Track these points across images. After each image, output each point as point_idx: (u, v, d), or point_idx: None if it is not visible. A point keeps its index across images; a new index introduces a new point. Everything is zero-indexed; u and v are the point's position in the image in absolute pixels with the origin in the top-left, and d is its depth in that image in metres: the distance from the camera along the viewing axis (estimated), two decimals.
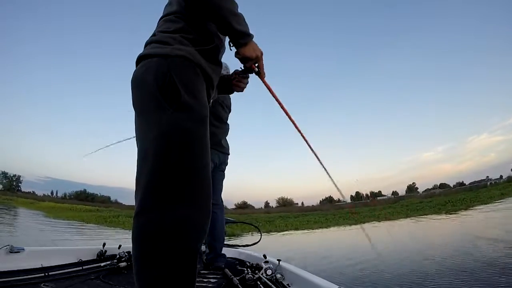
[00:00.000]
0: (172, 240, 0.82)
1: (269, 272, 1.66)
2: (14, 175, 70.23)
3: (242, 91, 1.31)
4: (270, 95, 1.19)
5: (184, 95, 0.90)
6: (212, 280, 1.74)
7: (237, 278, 1.66)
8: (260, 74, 1.13)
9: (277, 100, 1.20)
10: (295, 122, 1.26)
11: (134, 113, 1.00)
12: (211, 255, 2.06)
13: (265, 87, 1.16)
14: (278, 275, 1.65)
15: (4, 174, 68.66)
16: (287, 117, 1.27)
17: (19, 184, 71.55)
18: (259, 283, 1.60)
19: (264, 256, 1.94)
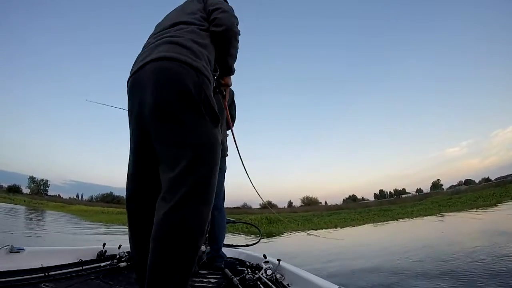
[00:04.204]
0: (198, 236, 0.96)
1: (269, 272, 1.62)
2: (42, 180, 74.01)
3: None
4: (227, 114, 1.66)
5: (218, 115, 1.09)
6: (212, 280, 1.70)
7: (237, 278, 1.62)
8: (225, 98, 1.57)
9: (227, 116, 1.65)
10: (235, 136, 1.72)
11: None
12: (211, 255, 2.03)
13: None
14: (278, 275, 1.60)
15: (32, 178, 72.52)
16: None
17: (47, 188, 75.03)
18: (259, 283, 1.55)
19: (264, 256, 1.89)
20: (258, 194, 1.85)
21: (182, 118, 1.01)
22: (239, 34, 1.28)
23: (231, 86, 1.52)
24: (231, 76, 1.51)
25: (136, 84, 1.12)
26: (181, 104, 1.01)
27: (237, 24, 1.26)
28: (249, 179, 1.82)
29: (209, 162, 1.03)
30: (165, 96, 1.01)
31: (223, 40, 1.22)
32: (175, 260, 0.92)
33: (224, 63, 1.31)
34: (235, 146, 1.72)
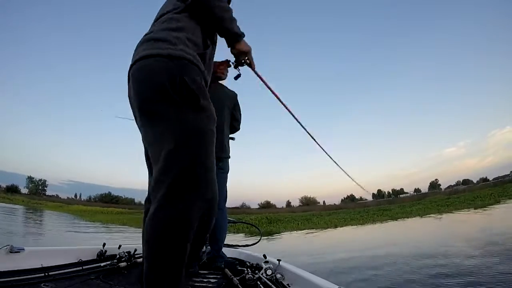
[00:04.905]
0: (186, 233, 0.92)
1: (269, 272, 1.62)
2: (40, 180, 73.91)
3: (224, 79, 1.55)
4: (265, 86, 1.42)
5: (201, 99, 1.00)
6: (212, 280, 1.70)
7: (237, 278, 1.62)
8: (251, 66, 1.36)
9: (270, 89, 1.41)
10: (293, 113, 1.51)
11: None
12: (211, 255, 2.03)
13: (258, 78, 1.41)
14: (278, 275, 1.60)
15: (30, 178, 72.37)
16: (285, 108, 1.50)
17: (45, 188, 74.86)
18: (259, 283, 1.55)
19: (264, 256, 1.89)
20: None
21: (159, 113, 0.98)
22: None
23: (249, 50, 1.31)
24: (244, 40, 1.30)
25: (128, 91, 1.13)
26: (155, 98, 0.98)
27: None
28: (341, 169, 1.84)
29: (191, 151, 0.96)
30: (143, 95, 1.01)
31: (201, 7, 1.11)
32: (164, 258, 0.90)
33: (221, 29, 1.20)
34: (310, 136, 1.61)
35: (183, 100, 0.97)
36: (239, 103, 2.37)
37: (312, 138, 1.55)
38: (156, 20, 1.17)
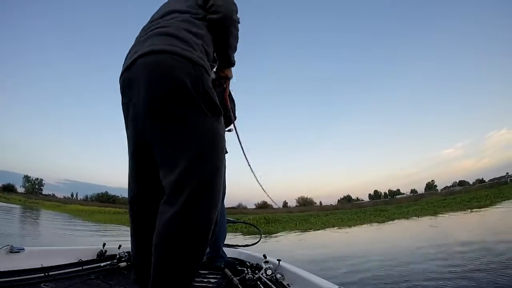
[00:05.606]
0: (205, 238, 0.95)
1: (269, 272, 1.62)
2: (37, 179, 73.45)
3: None
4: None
5: (220, 107, 1.02)
6: (212, 280, 1.71)
7: (237, 278, 1.63)
8: (226, 90, 1.48)
9: (230, 109, 1.58)
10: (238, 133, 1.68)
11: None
12: (211, 255, 2.03)
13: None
14: (278, 275, 1.61)
15: (27, 177, 71.85)
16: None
17: (41, 187, 74.35)
18: (259, 283, 1.56)
19: (264, 256, 1.90)
20: (264, 191, 1.86)
21: (180, 116, 0.95)
22: (239, 23, 1.19)
23: (231, 78, 1.42)
24: (232, 68, 1.40)
25: (128, 82, 1.05)
26: (177, 100, 0.94)
27: (237, 12, 1.17)
28: (254, 176, 1.84)
29: (213, 160, 0.97)
30: (159, 93, 0.95)
31: (220, 28, 1.13)
32: (182, 264, 0.90)
33: (223, 54, 1.23)
34: (238, 141, 1.71)
35: (206, 107, 0.98)
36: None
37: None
38: (165, 14, 1.12)
